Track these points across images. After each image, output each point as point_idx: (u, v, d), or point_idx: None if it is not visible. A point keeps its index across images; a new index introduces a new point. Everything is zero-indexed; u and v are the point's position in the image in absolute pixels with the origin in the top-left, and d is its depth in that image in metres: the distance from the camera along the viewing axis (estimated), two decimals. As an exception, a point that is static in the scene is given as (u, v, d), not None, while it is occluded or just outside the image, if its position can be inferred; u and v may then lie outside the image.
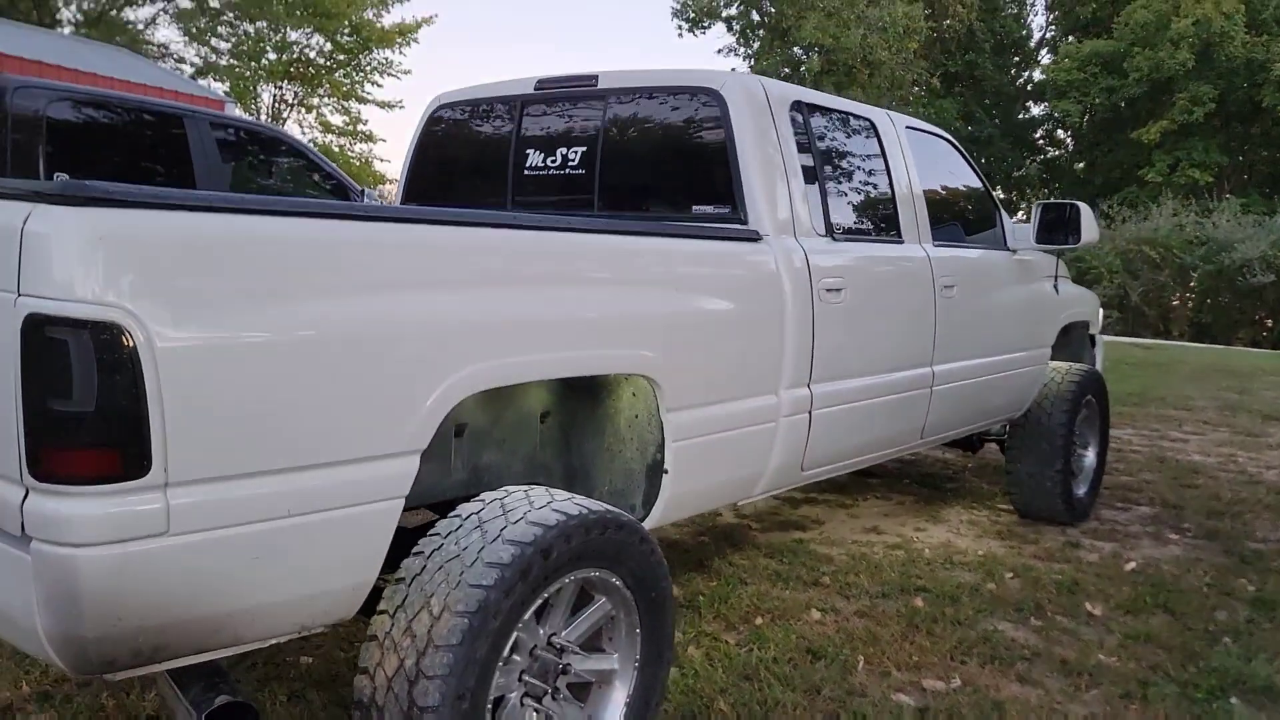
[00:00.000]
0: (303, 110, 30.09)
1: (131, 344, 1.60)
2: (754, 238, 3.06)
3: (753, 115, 3.20)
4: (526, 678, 2.31)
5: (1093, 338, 5.64)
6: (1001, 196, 34.58)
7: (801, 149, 3.36)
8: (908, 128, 4.11)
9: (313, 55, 28.84)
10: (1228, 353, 17.25)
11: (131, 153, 5.34)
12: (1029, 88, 36.73)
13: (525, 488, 2.36)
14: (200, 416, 1.70)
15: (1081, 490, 5.20)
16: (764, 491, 3.29)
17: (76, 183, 1.62)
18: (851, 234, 3.55)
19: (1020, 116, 36.70)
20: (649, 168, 3.46)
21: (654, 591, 2.50)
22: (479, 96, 3.94)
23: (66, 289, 1.58)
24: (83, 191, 1.62)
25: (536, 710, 2.35)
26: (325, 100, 30.11)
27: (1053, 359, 5.10)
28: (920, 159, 4.08)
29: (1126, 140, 29.89)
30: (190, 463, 1.70)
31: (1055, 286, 4.99)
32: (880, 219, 3.79)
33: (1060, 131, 36.24)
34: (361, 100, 30.01)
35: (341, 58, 29.13)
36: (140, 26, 25.81)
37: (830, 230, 3.40)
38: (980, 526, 5.10)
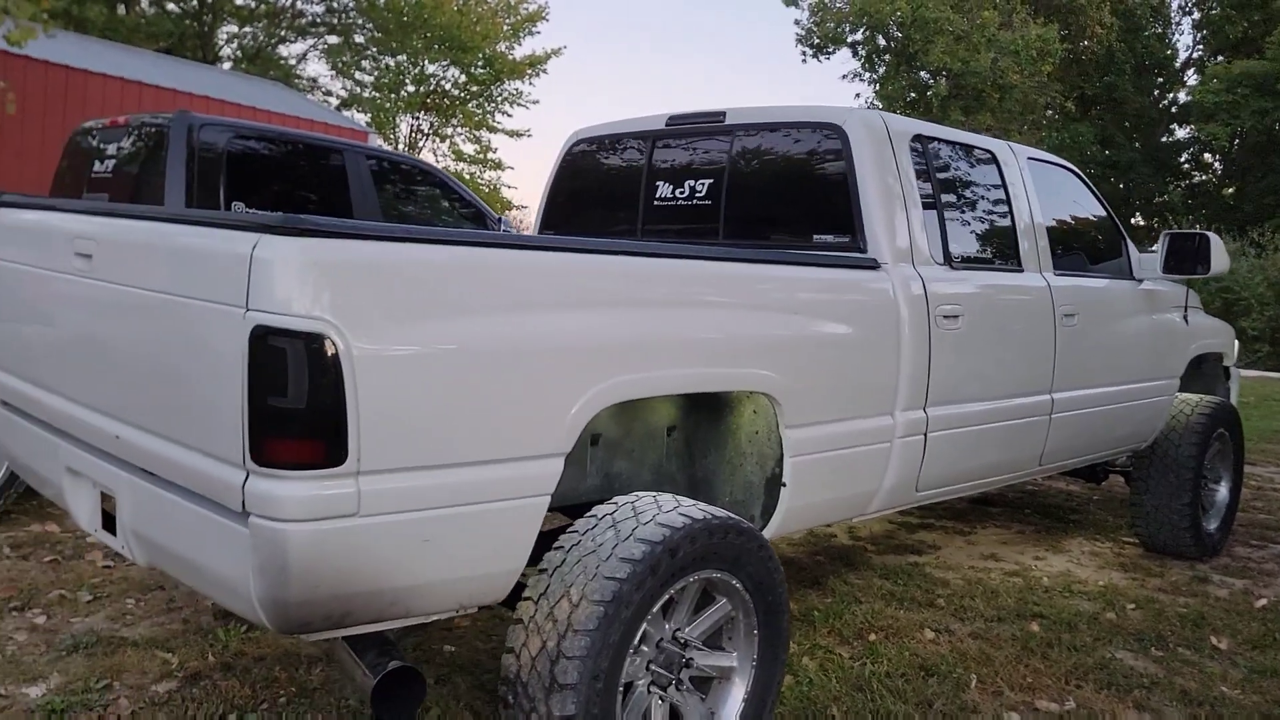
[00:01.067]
0: (437, 139, 31.42)
1: (335, 352, 1.90)
2: (872, 265, 3.23)
3: (874, 148, 3.38)
4: (653, 667, 2.53)
5: (1227, 370, 5.53)
6: (1141, 223, 33.26)
7: (921, 180, 3.51)
8: (1029, 159, 4.20)
9: (448, 87, 30.14)
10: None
11: (296, 183, 5.85)
12: (1173, 110, 35.29)
13: (653, 494, 2.59)
14: (386, 415, 1.99)
15: (1212, 525, 5.10)
16: (878, 510, 3.43)
17: (293, 216, 1.93)
18: (970, 263, 3.67)
19: (1163, 140, 35.26)
20: (772, 199, 3.67)
21: (771, 596, 2.68)
22: (614, 132, 4.23)
23: (285, 305, 1.89)
24: (298, 224, 1.93)
25: (661, 698, 2.56)
26: (458, 130, 31.38)
27: (1184, 390, 5.05)
28: (1042, 189, 4.16)
29: (1280, 165, 28.41)
30: (377, 454, 1.99)
31: (1185, 317, 4.94)
32: (1000, 248, 3.89)
33: (1207, 155, 34.64)
34: (491, 129, 31.15)
35: (474, 89, 30.34)
36: (293, 62, 27.48)
37: (949, 259, 3.53)
38: (1102, 558, 5.07)
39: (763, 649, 2.70)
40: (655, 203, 3.96)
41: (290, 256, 1.91)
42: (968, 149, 3.89)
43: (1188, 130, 33.97)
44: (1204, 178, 35.57)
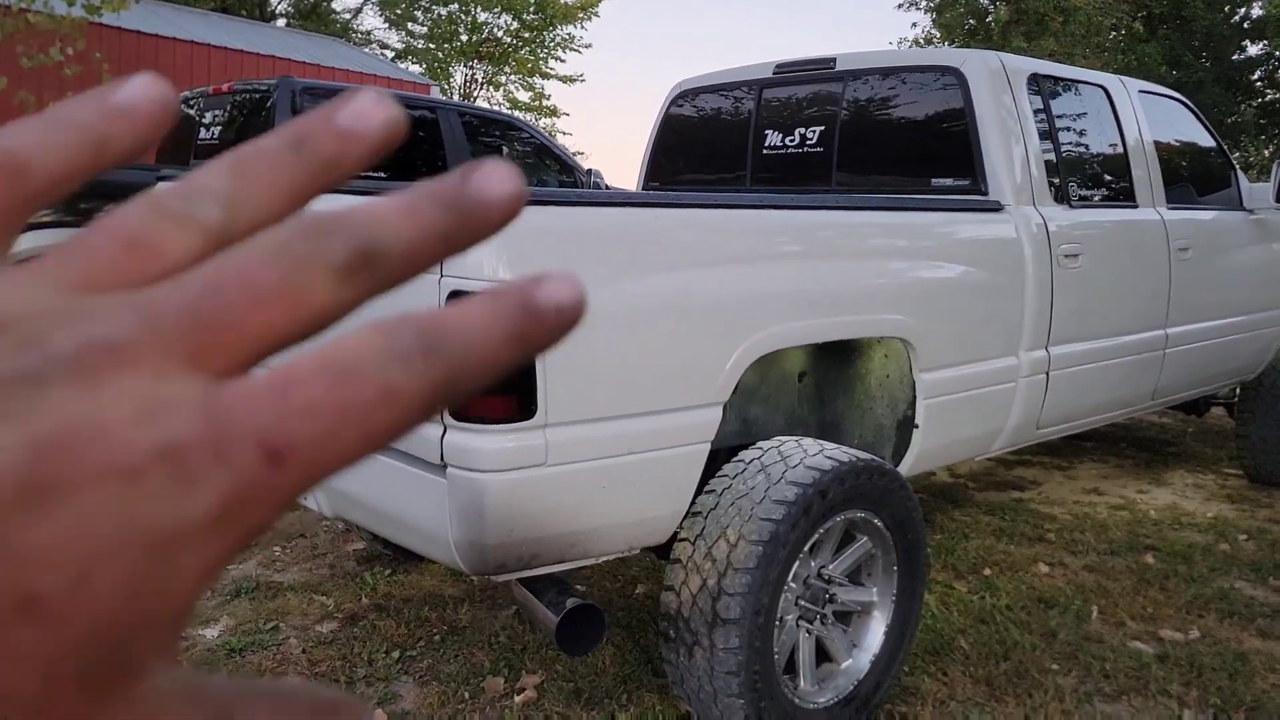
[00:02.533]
0: (491, 88, 31.40)
1: (522, 313, 2.02)
2: (996, 208, 3.26)
3: (992, 90, 3.38)
4: (801, 602, 2.65)
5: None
6: (1213, 146, 32.13)
7: (1038, 120, 3.51)
8: (1140, 91, 4.15)
9: (500, 34, 30.01)
10: None
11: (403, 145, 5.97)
12: (1245, 25, 33.85)
13: (796, 438, 2.69)
14: (569, 372, 2.11)
15: (1319, 455, 5.08)
16: (1001, 448, 3.50)
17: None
18: (1087, 201, 3.67)
19: (1235, 58, 33.90)
20: (887, 143, 3.69)
21: (910, 534, 2.78)
22: (718, 82, 4.26)
23: (476, 269, 2.01)
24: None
25: (808, 631, 2.69)
26: (511, 77, 31.30)
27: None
28: (1153, 122, 4.12)
29: (1362, 79, 27.17)
30: (562, 408, 2.11)
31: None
32: (1115, 185, 3.88)
33: (1281, 73, 33.26)
34: (545, 76, 31.02)
35: (527, 35, 30.18)
36: (347, 16, 27.56)
37: (1067, 198, 3.54)
38: (1207, 489, 5.08)
39: (902, 583, 2.81)
40: (764, 151, 4.01)
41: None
42: (1081, 85, 3.86)
43: (1261, 46, 32.60)
44: (1277, 96, 34.20)
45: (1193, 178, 4.43)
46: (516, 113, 30.18)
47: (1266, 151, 26.85)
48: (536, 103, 31.09)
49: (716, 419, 2.43)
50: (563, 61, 30.51)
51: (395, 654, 3.13)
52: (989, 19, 29.74)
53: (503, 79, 31.42)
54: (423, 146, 5.93)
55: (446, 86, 29.61)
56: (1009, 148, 3.36)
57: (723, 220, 2.47)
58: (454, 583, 3.69)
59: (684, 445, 2.37)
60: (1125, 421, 6.48)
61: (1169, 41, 32.51)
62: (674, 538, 2.56)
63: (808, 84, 3.91)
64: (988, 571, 3.88)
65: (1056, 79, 3.71)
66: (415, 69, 28.23)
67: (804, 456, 2.57)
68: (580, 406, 2.15)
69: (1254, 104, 33.59)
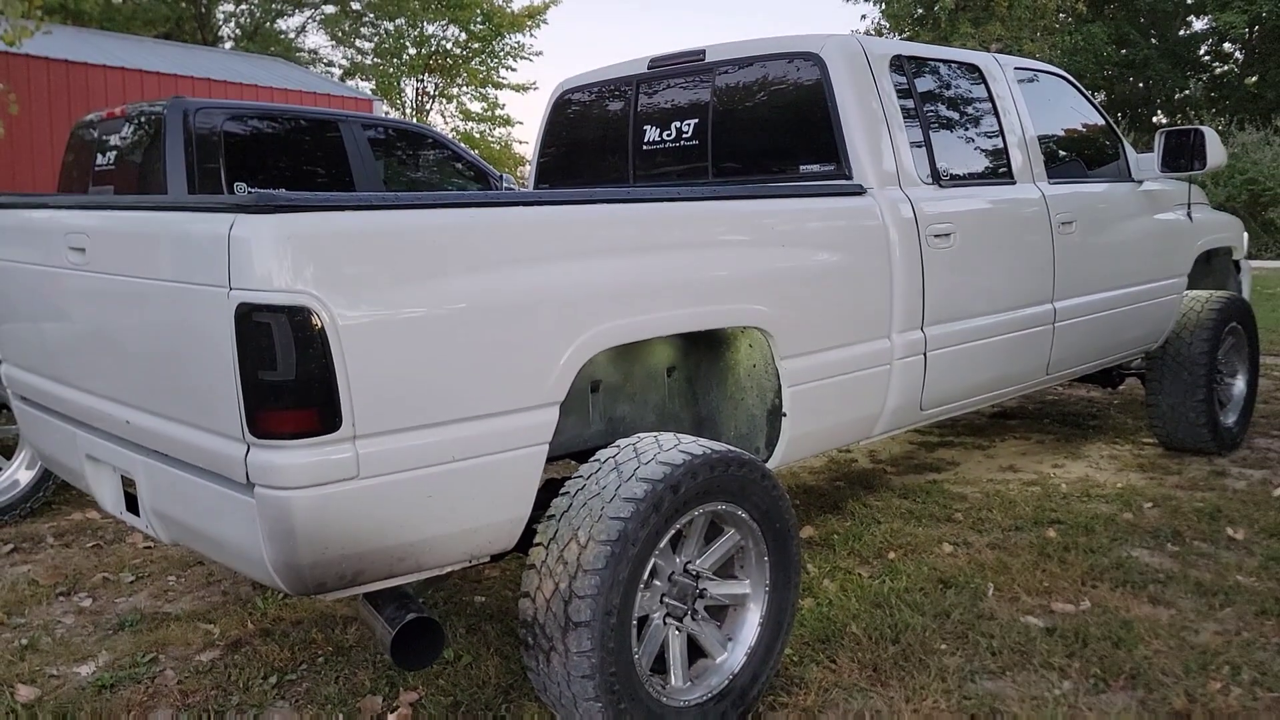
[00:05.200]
0: (444, 101, 31.27)
1: (319, 323, 1.97)
2: (858, 191, 3.24)
3: (852, 73, 3.36)
4: (667, 600, 2.62)
5: (1237, 263, 5.48)
6: (1164, 121, 32.45)
7: (904, 102, 3.50)
8: (1017, 68, 4.15)
9: (449, 46, 29.90)
10: None
11: (296, 158, 5.90)
12: (1187, 1, 34.24)
13: (655, 434, 2.65)
14: (377, 379, 2.06)
15: (1230, 419, 5.11)
16: (884, 431, 3.48)
17: (266, 193, 1.99)
18: (959, 180, 3.66)
19: (1180, 33, 34.27)
20: (757, 133, 3.67)
21: (778, 523, 2.75)
22: (598, 80, 4.23)
23: (266, 281, 1.96)
24: (271, 201, 1.99)
25: (678, 629, 2.65)
26: (464, 89, 31.18)
27: (1195, 288, 5.02)
28: (1032, 99, 4.12)
29: (1302, 49, 27.52)
30: (372, 418, 2.06)
31: (1189, 214, 4.89)
32: (990, 162, 3.87)
33: (1226, 45, 33.64)
34: (497, 85, 30.91)
35: (476, 46, 30.08)
36: (292, 35, 27.38)
37: (937, 178, 3.52)
38: (1121, 460, 5.09)
39: (774, 574, 2.78)
40: (644, 147, 3.98)
41: (265, 233, 1.97)
42: (951, 65, 3.85)
43: (1205, 21, 32.96)
44: (1224, 69, 34.58)
45: (1077, 152, 4.44)
46: (470, 124, 30.07)
47: (1219, 124, 27.11)
48: (490, 113, 30.99)
49: (552, 420, 2.39)
50: (514, 70, 30.48)
51: (273, 679, 3.06)
52: (936, 7, 29.92)
53: (455, 91, 31.31)
54: (324, 160, 5.86)
55: (398, 102, 29.48)
56: (872, 131, 3.35)
57: (546, 217, 2.43)
58: (345, 602, 3.62)
59: (516, 449, 2.33)
60: (1051, 397, 6.51)
61: (1114, 20, 32.81)
62: (529, 542, 2.52)
63: (681, 77, 3.88)
64: (892, 555, 3.87)
65: (922, 60, 3.70)
66: (366, 86, 28.08)
67: (657, 452, 2.53)
68: (394, 415, 2.10)
69: (1202, 78, 33.95)
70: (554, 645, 2.41)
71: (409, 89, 30.35)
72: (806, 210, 3.08)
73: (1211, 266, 5.25)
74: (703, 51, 3.79)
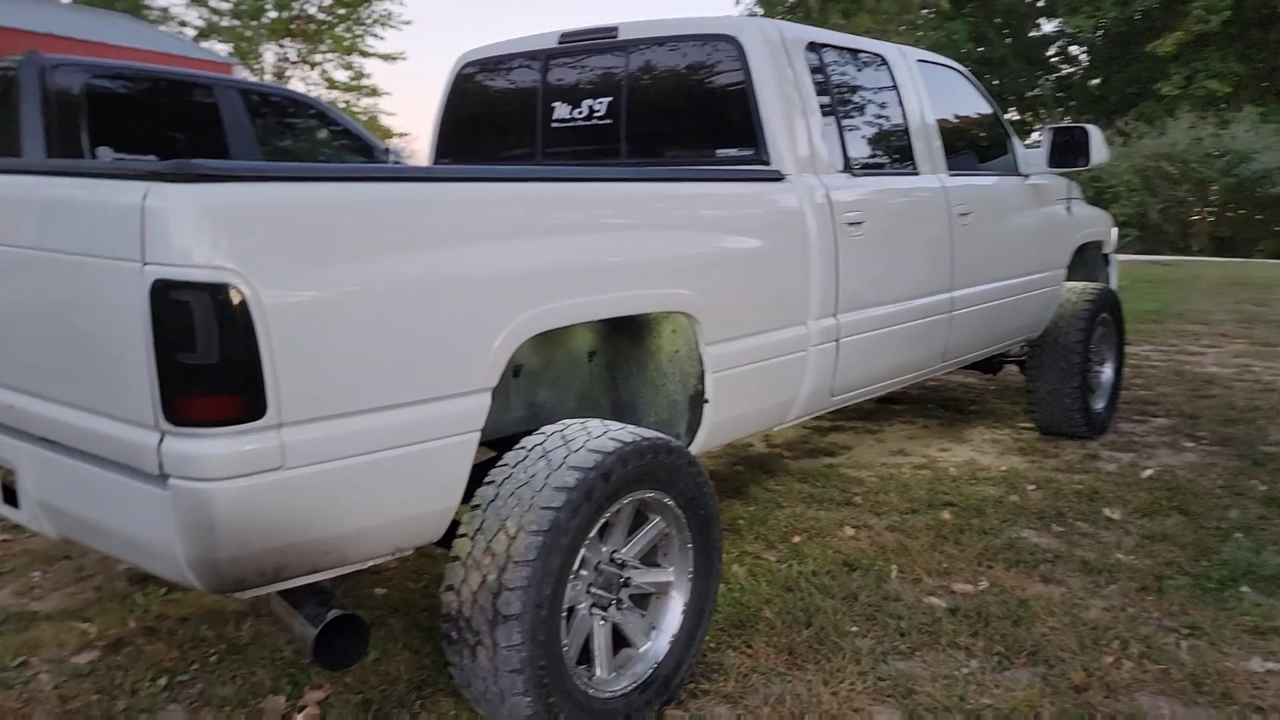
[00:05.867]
0: (306, 68, 30.06)
1: (243, 302, 1.82)
2: (777, 177, 3.24)
3: (770, 58, 3.35)
4: (593, 590, 2.56)
5: (1106, 257, 5.78)
6: (1016, 117, 34.15)
7: (818, 89, 3.51)
8: (919, 60, 4.24)
9: (313, 10, 28.73)
10: (1247, 265, 17.28)
11: (166, 123, 5.51)
12: (1039, 4, 36.04)
13: (581, 420, 2.59)
14: (304, 364, 1.92)
15: (1099, 405, 5.39)
16: (797, 417, 3.51)
17: (185, 161, 1.82)
18: (869, 168, 3.72)
19: (1032, 35, 36.09)
20: (672, 115, 3.63)
21: (702, 510, 2.73)
22: (504, 53, 4.09)
23: (185, 255, 1.79)
24: (191, 169, 1.83)
25: (603, 619, 2.60)
26: (327, 56, 30.06)
27: (1070, 279, 5.26)
28: (933, 91, 4.22)
29: (1141, 54, 29.37)
30: (299, 404, 1.92)
31: (1069, 208, 5.13)
32: (896, 152, 3.94)
33: (1073, 48, 35.64)
34: (364, 54, 29.93)
35: (342, 11, 29.00)
36: (142, -9, 25.76)
37: (848, 166, 3.56)
38: (1003, 444, 5.31)
39: (698, 561, 2.76)
40: (553, 125, 3.88)
41: (185, 204, 1.81)
42: (860, 54, 3.90)
43: (1055, 24, 34.81)
44: (1071, 70, 36.64)
45: (972, 145, 4.58)
46: (334, 93, 29.01)
47: (1065, 121, 28.70)
48: (356, 82, 29.98)
49: (485, 406, 2.29)
50: (381, 39, 29.54)
51: (163, 680, 2.86)
52: (807, -4, 30.55)
53: (318, 58, 30.14)
54: (198, 126, 5.50)
55: (257, 67, 28.16)
56: (789, 117, 3.35)
57: (481, 194, 2.32)
58: (246, 599, 3.42)
59: (448, 436, 2.22)
60: (933, 383, 6.74)
61: (974, 19, 34.27)
62: (454, 533, 2.42)
63: (592, 54, 3.80)
64: (797, 539, 3.91)
65: (835, 47, 3.73)
66: (222, 48, 26.69)
67: (587, 439, 2.47)
68: (322, 401, 1.97)
69: (1051, 78, 35.87)
70: (481, 639, 2.32)
71: (269, 54, 29.05)
72: (731, 195, 3.06)
73: (1084, 259, 5.52)
74: (615, 29, 3.71)
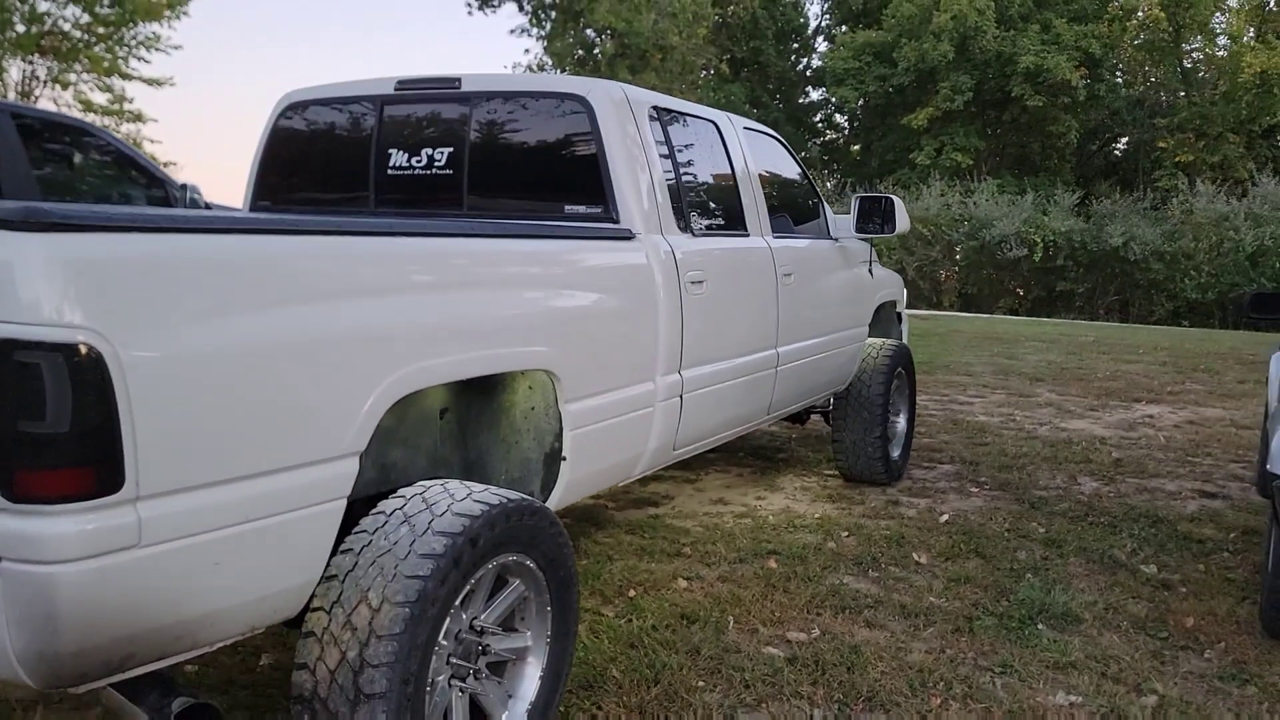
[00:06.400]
0: (58, 87, 27.67)
1: (102, 364, 1.64)
2: (628, 235, 3.29)
3: (618, 120, 3.41)
4: (453, 660, 2.45)
5: (899, 315, 6.23)
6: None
7: (660, 151, 3.61)
8: (745, 128, 4.44)
9: (67, 27, 26.55)
10: (993, 320, 19.09)
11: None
12: (808, 74, 38.74)
13: (441, 482, 2.49)
14: (165, 430, 1.75)
15: (896, 453, 5.76)
16: (642, 472, 3.54)
17: (35, 207, 1.63)
18: (707, 229, 3.84)
19: (801, 101, 38.68)
20: (518, 169, 3.61)
21: (562, 571, 2.69)
22: (334, 95, 3.94)
23: (34, 312, 1.60)
24: (43, 216, 1.63)
25: (461, 690, 2.50)
26: (83, 76, 27.82)
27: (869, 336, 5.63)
28: (757, 157, 4.43)
29: (898, 125, 32.12)
30: (158, 475, 1.74)
31: (870, 270, 5.50)
32: (728, 214, 4.10)
33: (839, 116, 38.46)
34: (125, 77, 27.91)
35: (101, 30, 26.97)
36: None
37: (689, 226, 3.66)
38: (813, 492, 5.57)
39: (556, 624, 2.71)
40: (389, 172, 3.76)
41: (34, 256, 1.61)
42: (695, 119, 4.04)
43: (821, 92, 37.50)
44: (835, 136, 39.53)
45: (788, 208, 4.83)
46: (90, 116, 26.85)
47: (828, 184, 30.79)
48: (116, 106, 27.85)
49: (353, 471, 2.17)
50: (147, 63, 27.57)
51: (-59, 790, 2.48)
52: (596, 51, 31.35)
53: (73, 77, 27.81)
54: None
55: (0, 83, 25.63)
56: (636, 176, 3.41)
57: (351, 248, 2.22)
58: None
59: (314, 505, 2.08)
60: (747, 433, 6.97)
61: (750, 83, 36.35)
62: (306, 607, 2.26)
63: (433, 103, 3.73)
64: (632, 593, 3.92)
65: (674, 112, 3.84)
66: (-42, 60, 24.13)
67: (451, 503, 2.37)
68: (182, 471, 1.80)
69: (818, 142, 38.50)
70: (340, 721, 2.17)
71: (14, 69, 26.53)
72: (587, 252, 3.07)
73: (880, 316, 5.92)
74: (458, 80, 3.67)
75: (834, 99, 34.63)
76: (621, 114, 3.43)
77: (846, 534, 4.75)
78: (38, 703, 2.91)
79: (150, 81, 28.55)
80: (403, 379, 2.25)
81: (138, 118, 28.43)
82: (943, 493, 5.60)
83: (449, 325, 2.40)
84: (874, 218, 4.91)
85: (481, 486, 2.49)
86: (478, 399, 3.01)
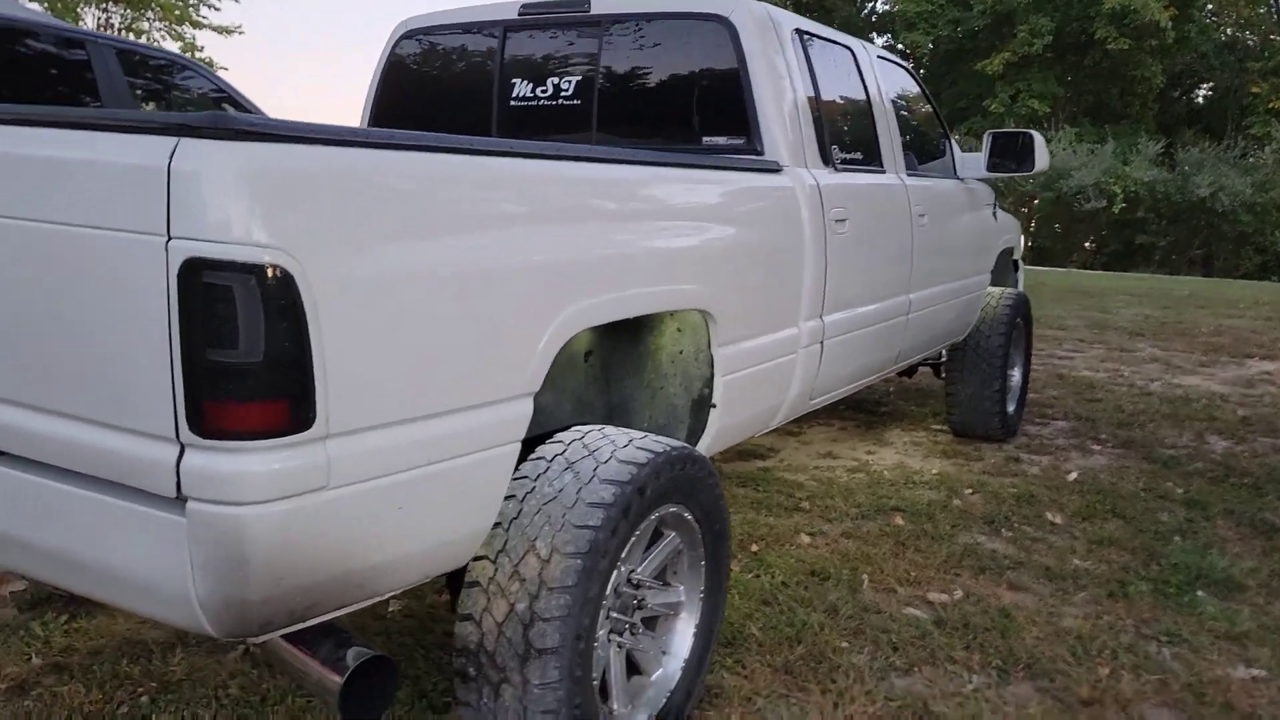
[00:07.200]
0: (131, 35, 27.88)
1: (294, 288, 1.49)
2: (775, 168, 3.07)
3: (763, 42, 3.18)
4: (613, 614, 2.32)
5: (1016, 262, 5.93)
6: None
7: (804, 78, 3.37)
8: (878, 57, 4.17)
9: (140, -25, 26.65)
10: (1074, 274, 18.48)
11: (29, 81, 4.82)
12: (874, 19, 37.59)
13: (597, 427, 2.34)
14: (353, 363, 1.60)
15: (1011, 408, 5.51)
16: (779, 423, 3.36)
17: (225, 115, 1.47)
18: (847, 164, 3.60)
19: (870, 48, 37.56)
20: (652, 98, 3.40)
21: (718, 524, 2.54)
22: (452, 21, 3.76)
23: (223, 229, 1.45)
24: (229, 123, 1.48)
25: (619, 645, 2.36)
26: (155, 24, 27.98)
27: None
28: (890, 87, 4.16)
29: (971, 71, 31.05)
30: (346, 412, 1.60)
31: (995, 214, 5.20)
32: (866, 148, 3.85)
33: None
34: (196, 25, 28.01)
35: (172, -21, 27.03)
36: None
37: (829, 160, 3.43)
38: (924, 447, 5.35)
39: (709, 578, 2.56)
40: (512, 103, 3.57)
41: (225, 167, 1.46)
42: (833, 44, 3.78)
43: (888, 38, 36.38)
44: (905, 84, 38.40)
45: (920, 145, 4.55)
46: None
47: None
48: (188, 54, 27.99)
49: (528, 413, 2.02)
50: (217, 10, 27.62)
51: (88, 730, 2.42)
52: None
53: (145, 25, 27.99)
54: (68, 87, 4.84)
55: (76, 30, 25.86)
56: (781, 104, 3.19)
57: (540, 171, 2.04)
58: (155, 623, 2.97)
59: (493, 447, 1.94)
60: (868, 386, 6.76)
61: (815, 29, 35.36)
62: (468, 556, 2.12)
63: (560, 28, 3.52)
64: (755, 548, 3.77)
65: (815, 35, 3.59)
66: (35, 6, 24.36)
67: (614, 450, 2.22)
68: (370, 408, 1.65)
69: (885, 90, 37.44)
70: (507, 677, 2.05)
71: (89, 17, 26.75)
72: (740, 185, 2.87)
73: (997, 264, 5.63)
74: (587, 1, 3.45)
75: (902, 44, 33.57)
76: (766, 36, 3.20)
77: (970, 491, 4.53)
78: (176, 643, 2.85)
79: (220, 29, 28.63)
80: (578, 313, 2.08)
81: (209, 65, 28.57)
82: (1063, 450, 5.34)
83: (622, 258, 2.23)
84: (1009, 156, 4.61)
85: (640, 433, 2.33)
86: (623, 341, 2.84)
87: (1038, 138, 4.61)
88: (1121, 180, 22.42)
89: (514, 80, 3.58)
